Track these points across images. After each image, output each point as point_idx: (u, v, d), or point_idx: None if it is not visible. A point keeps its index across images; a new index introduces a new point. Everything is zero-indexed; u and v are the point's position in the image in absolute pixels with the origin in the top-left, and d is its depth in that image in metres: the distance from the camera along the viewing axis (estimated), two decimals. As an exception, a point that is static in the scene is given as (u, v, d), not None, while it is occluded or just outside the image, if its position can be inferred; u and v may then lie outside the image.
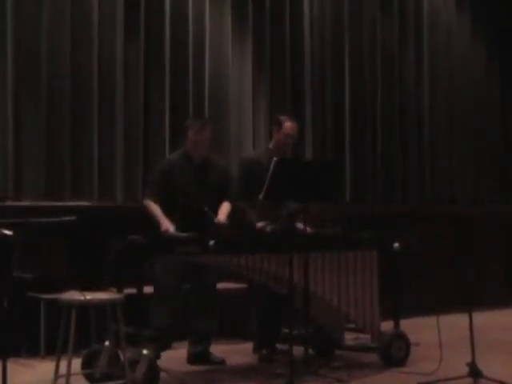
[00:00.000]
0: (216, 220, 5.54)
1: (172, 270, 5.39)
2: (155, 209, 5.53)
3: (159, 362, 5.23)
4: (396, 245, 5.77)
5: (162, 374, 5.02)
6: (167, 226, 5.36)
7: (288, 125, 5.95)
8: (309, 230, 5.67)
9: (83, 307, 4.60)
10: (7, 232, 4.21)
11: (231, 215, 5.71)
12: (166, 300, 5.42)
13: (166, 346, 5.57)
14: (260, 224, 5.68)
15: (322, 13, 8.69)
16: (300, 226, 5.56)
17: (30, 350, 5.96)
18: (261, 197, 5.11)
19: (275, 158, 5.12)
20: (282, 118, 6.04)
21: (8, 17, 6.51)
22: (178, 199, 5.60)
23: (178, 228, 5.34)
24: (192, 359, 5.73)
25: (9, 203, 6.37)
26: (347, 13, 8.89)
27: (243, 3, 8.00)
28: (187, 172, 5.67)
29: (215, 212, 5.63)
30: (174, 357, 5.64)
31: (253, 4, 8.07)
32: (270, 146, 6.09)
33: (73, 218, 5.73)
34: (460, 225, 8.06)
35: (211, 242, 4.97)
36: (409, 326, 6.10)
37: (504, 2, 10.22)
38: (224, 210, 5.68)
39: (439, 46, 9.76)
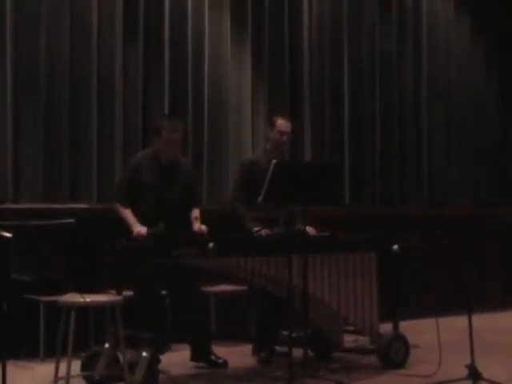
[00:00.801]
0: (196, 229, 5.50)
1: (147, 278, 5.28)
2: (124, 212, 5.45)
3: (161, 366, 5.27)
4: (395, 247, 5.77)
5: (161, 376, 5.02)
6: (138, 229, 5.27)
7: (281, 122, 6.00)
8: (313, 231, 5.70)
9: (82, 309, 4.61)
10: (6, 234, 4.21)
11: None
12: (147, 309, 5.34)
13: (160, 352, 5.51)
14: (256, 229, 5.67)
15: (320, 16, 8.69)
16: (308, 228, 5.60)
17: (30, 352, 5.96)
18: (260, 199, 5.11)
19: (274, 161, 5.12)
20: (275, 117, 6.11)
21: (7, 17, 6.51)
22: (148, 199, 5.51)
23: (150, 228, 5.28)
24: (194, 357, 5.72)
25: (8, 205, 6.37)
26: (346, 16, 8.88)
27: (242, 6, 8.00)
28: (156, 172, 5.59)
29: (184, 212, 5.61)
30: (176, 358, 5.64)
31: (252, 6, 8.07)
32: (267, 147, 6.12)
33: (72, 220, 5.74)
34: (459, 226, 8.07)
35: (210, 245, 4.97)
36: (408, 327, 6.11)
37: (503, 4, 10.23)
38: (197, 217, 5.65)
39: (438, 48, 9.75)
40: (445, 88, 9.75)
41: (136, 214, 5.45)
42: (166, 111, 7.37)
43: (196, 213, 5.69)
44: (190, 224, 5.59)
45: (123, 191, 5.58)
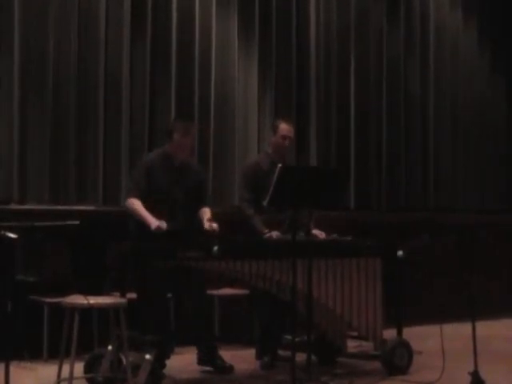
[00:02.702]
0: (207, 227, 5.47)
1: (154, 280, 5.28)
2: (140, 207, 5.37)
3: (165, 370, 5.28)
4: (400, 253, 5.76)
5: (165, 380, 5.03)
6: (157, 223, 5.21)
7: (283, 126, 6.01)
8: (320, 234, 5.70)
9: (86, 311, 4.61)
10: (11, 235, 4.22)
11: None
12: (154, 311, 5.35)
13: (165, 356, 5.49)
14: (266, 231, 5.68)
15: (328, 20, 8.69)
16: (316, 231, 5.60)
17: (33, 353, 5.96)
18: (265, 203, 5.11)
19: (280, 165, 5.12)
20: (278, 121, 6.13)
21: (15, 18, 6.52)
22: (159, 199, 5.48)
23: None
24: (200, 360, 5.72)
25: (13, 206, 6.38)
26: (353, 22, 8.89)
27: (249, 7, 8.01)
28: (168, 172, 5.58)
29: (193, 212, 5.61)
30: (180, 362, 5.64)
31: (259, 8, 8.08)
32: (269, 150, 6.14)
33: (77, 222, 5.75)
34: (465, 233, 8.05)
35: (215, 248, 4.97)
36: (412, 334, 6.10)
37: (511, 10, 10.22)
38: (209, 215, 5.61)
39: (445, 56, 9.76)
40: (452, 95, 9.75)
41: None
42: (173, 112, 7.38)
43: (208, 213, 5.68)
44: (199, 224, 5.58)
45: (139, 187, 5.50)
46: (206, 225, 5.48)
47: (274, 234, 5.67)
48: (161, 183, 5.54)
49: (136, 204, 5.40)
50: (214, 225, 5.46)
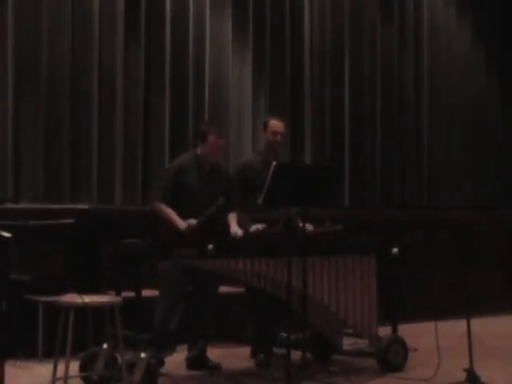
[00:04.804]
0: (232, 233, 5.52)
1: (176, 273, 5.34)
2: (169, 211, 5.47)
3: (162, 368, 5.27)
4: (394, 250, 5.77)
5: (160, 378, 5.02)
6: (185, 223, 5.30)
7: (273, 123, 6.02)
8: (310, 227, 5.69)
9: (81, 310, 4.60)
10: (5, 234, 4.22)
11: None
12: (172, 303, 5.39)
13: (172, 350, 5.53)
14: (254, 227, 5.67)
15: (322, 19, 8.71)
16: (307, 225, 5.62)
17: (28, 352, 5.94)
18: (260, 201, 5.12)
19: (274, 163, 5.13)
20: (268, 118, 6.15)
21: (8, 17, 6.52)
22: (190, 201, 5.53)
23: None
24: (189, 364, 5.72)
25: (8, 205, 6.37)
26: (347, 19, 8.91)
27: (244, 7, 8.01)
28: (199, 175, 5.63)
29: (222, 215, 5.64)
30: (174, 361, 5.63)
31: (253, 7, 8.08)
32: (261, 148, 6.14)
33: (71, 220, 5.75)
34: (460, 229, 8.06)
35: (210, 246, 4.97)
36: (407, 331, 6.10)
37: (504, 7, 10.24)
38: (234, 221, 5.66)
39: (439, 53, 9.77)
40: (446, 91, 9.76)
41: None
42: (167, 111, 7.39)
43: (234, 218, 5.69)
44: (227, 227, 5.61)
45: (167, 191, 5.56)
46: (232, 230, 5.55)
47: (261, 226, 5.65)
48: (192, 185, 5.58)
49: (163, 207, 5.50)
50: (239, 232, 5.52)
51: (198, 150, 5.71)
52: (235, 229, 5.58)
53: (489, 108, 10.29)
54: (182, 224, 5.34)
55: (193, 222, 5.30)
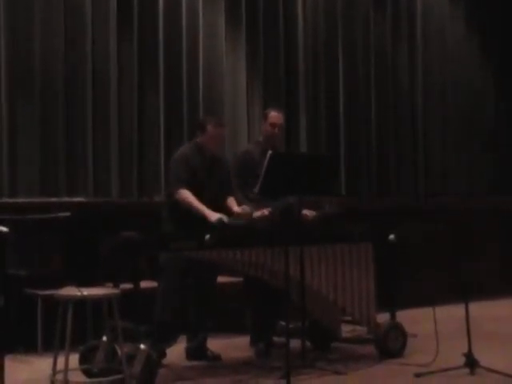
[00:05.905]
0: (240, 210, 5.51)
1: (176, 264, 5.34)
2: (195, 200, 5.39)
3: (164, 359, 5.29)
4: (391, 236, 5.78)
5: (161, 369, 5.03)
6: (217, 215, 5.27)
7: (273, 114, 6.02)
8: (310, 213, 5.71)
9: (80, 303, 4.61)
10: (2, 228, 4.21)
11: None
12: (172, 295, 5.40)
13: (174, 341, 5.54)
14: (259, 212, 5.67)
15: (315, 9, 8.70)
16: (306, 211, 5.63)
17: (28, 346, 5.96)
18: (256, 191, 5.12)
19: (270, 152, 5.13)
20: (268, 110, 6.15)
21: (1, 17, 6.50)
22: (195, 191, 5.47)
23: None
24: (189, 355, 5.74)
25: (4, 199, 6.37)
26: (340, 8, 8.90)
27: (236, 0, 8.00)
28: (201, 164, 5.63)
29: (222, 202, 5.64)
30: (174, 352, 5.64)
31: (246, 1, 8.07)
32: (260, 139, 6.14)
33: (68, 214, 5.75)
34: (456, 216, 8.07)
35: (207, 237, 4.98)
36: (405, 317, 6.12)
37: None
38: (235, 202, 5.69)
39: (433, 43, 9.77)
40: (440, 81, 9.77)
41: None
42: (161, 106, 7.39)
43: (234, 200, 5.71)
44: (229, 211, 5.60)
45: (186, 175, 5.51)
46: (239, 209, 5.54)
47: (266, 210, 5.67)
48: (199, 173, 5.58)
49: (190, 196, 5.42)
50: (246, 207, 5.53)
51: (198, 140, 5.73)
52: (238, 208, 5.57)
53: (483, 96, 10.29)
54: (213, 215, 5.28)
55: (225, 218, 5.27)
